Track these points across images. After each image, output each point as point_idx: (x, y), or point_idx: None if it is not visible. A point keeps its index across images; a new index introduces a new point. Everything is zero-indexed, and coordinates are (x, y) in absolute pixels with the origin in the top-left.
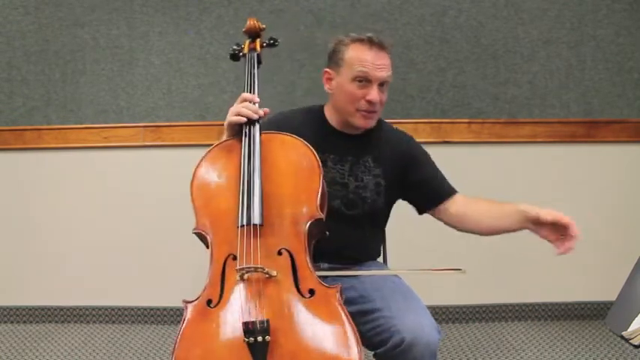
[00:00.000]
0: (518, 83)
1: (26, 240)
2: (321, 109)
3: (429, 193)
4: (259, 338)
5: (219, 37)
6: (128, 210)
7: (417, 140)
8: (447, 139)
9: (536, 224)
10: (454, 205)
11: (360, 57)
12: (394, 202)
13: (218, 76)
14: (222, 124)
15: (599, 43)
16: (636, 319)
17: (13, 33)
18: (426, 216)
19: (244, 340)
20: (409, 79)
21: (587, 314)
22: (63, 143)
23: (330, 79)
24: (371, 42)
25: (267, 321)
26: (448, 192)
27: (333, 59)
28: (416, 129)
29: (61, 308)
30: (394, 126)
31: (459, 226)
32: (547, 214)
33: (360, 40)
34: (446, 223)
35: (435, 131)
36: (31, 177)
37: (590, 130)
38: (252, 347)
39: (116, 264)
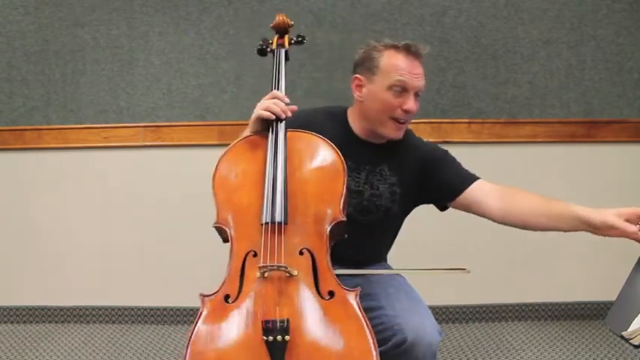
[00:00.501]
0: (518, 83)
1: (26, 240)
2: (344, 112)
3: (449, 188)
4: (279, 337)
5: (219, 37)
6: (128, 210)
7: None
8: (447, 139)
9: (597, 227)
10: (481, 195)
11: (396, 65)
12: (410, 211)
13: (218, 76)
14: (223, 124)
15: (599, 43)
16: (636, 319)
17: (13, 33)
18: (427, 217)
19: (263, 339)
20: None
21: (587, 314)
22: (63, 143)
23: (360, 86)
24: (407, 50)
25: (288, 320)
26: (466, 181)
27: (366, 65)
28: (416, 129)
29: (61, 308)
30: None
31: (500, 220)
32: (620, 221)
33: (396, 48)
34: (480, 214)
35: (435, 131)
36: (31, 177)
37: (590, 130)
38: (271, 346)
39: (116, 264)
